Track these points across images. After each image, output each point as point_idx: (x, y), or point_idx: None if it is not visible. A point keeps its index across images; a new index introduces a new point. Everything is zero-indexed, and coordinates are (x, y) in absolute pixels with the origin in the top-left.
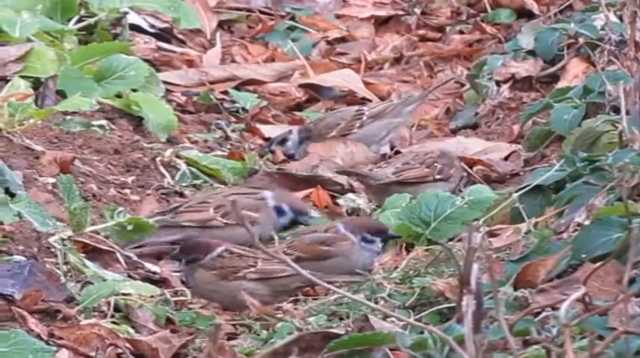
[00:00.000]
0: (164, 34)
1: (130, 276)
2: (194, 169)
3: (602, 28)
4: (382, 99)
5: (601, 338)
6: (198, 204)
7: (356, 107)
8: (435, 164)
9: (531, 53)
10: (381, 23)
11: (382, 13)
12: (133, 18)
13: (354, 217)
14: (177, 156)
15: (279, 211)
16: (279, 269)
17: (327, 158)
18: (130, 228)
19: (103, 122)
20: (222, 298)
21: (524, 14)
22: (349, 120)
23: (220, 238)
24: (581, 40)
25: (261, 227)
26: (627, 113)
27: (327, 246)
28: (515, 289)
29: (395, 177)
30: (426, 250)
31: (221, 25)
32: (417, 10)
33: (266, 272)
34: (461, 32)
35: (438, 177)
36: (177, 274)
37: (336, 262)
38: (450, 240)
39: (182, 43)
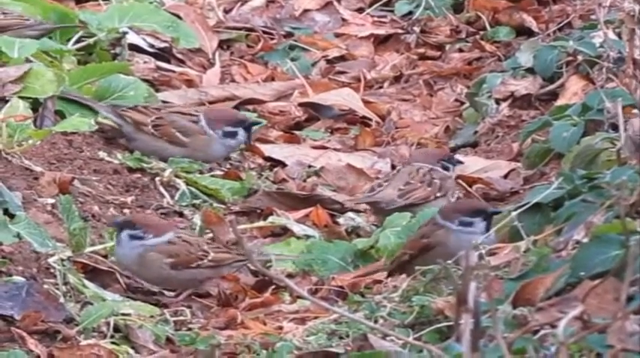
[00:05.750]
0: (163, 54)
1: (129, 297)
2: (193, 189)
3: (601, 46)
4: (382, 117)
5: (599, 356)
6: None
7: None
8: (434, 180)
9: (530, 71)
10: (381, 42)
11: (381, 31)
12: (132, 38)
13: (453, 202)
14: (177, 176)
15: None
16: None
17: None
18: None
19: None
20: (173, 284)
21: (524, 32)
22: None
23: None
24: (579, 58)
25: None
26: (625, 130)
27: (426, 238)
28: (514, 307)
29: (403, 201)
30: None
31: (220, 44)
32: (417, 29)
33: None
34: (460, 50)
35: (438, 195)
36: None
37: (436, 252)
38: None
39: (181, 62)
